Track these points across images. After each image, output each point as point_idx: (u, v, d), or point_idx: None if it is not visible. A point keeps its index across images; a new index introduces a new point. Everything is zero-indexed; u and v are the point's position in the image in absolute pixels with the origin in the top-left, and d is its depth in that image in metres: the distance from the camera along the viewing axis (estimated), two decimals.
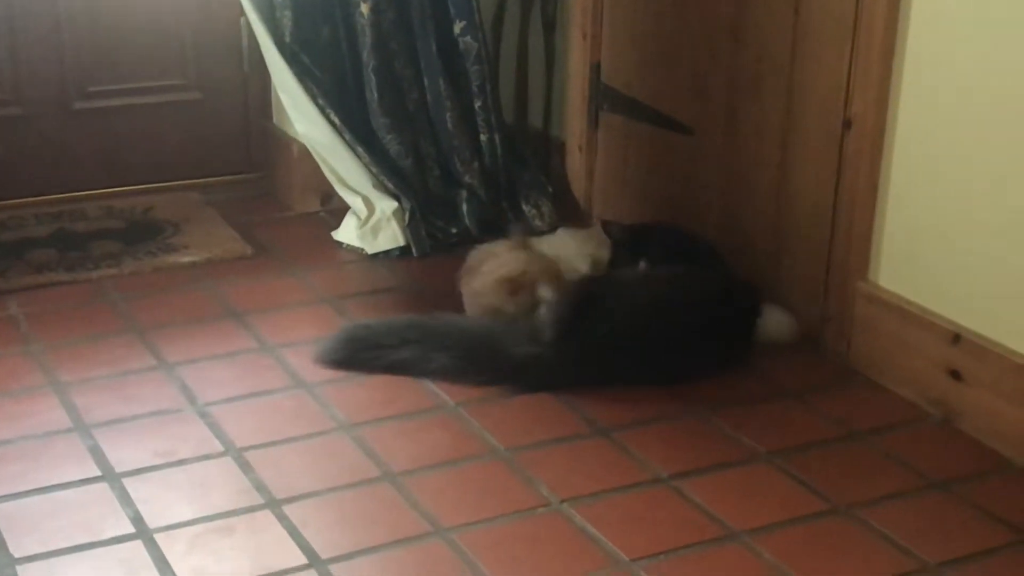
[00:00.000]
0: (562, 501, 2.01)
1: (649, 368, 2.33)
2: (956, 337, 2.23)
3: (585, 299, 2.34)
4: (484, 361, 2.35)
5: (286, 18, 2.85)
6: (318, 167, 3.00)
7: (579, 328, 2.31)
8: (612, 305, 2.33)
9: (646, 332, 2.32)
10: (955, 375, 2.24)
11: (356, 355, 2.40)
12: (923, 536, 1.94)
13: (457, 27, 2.91)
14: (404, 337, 2.38)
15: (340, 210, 3.03)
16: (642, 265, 2.46)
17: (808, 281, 2.52)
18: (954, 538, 1.94)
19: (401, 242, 2.91)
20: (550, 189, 3.05)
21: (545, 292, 2.44)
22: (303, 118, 2.94)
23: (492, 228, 2.90)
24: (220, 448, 2.14)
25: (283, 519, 1.95)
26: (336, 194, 3.02)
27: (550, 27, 3.16)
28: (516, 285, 2.49)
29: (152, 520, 1.94)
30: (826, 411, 2.30)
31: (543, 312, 2.39)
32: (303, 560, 1.86)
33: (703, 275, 2.44)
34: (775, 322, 2.49)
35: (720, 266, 2.51)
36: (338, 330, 2.47)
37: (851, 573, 1.85)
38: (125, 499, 2.00)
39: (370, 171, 2.93)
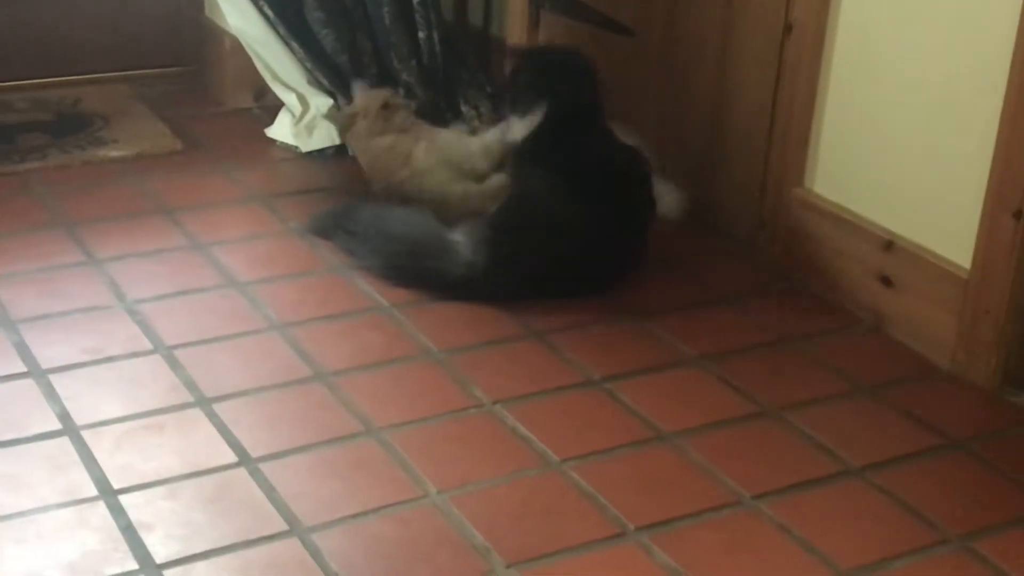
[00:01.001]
0: (494, 402, 2.01)
1: (581, 281, 2.32)
2: (888, 244, 2.25)
3: (508, 231, 2.29)
4: (411, 274, 2.34)
5: None
6: (251, 62, 2.94)
7: (507, 261, 2.27)
8: (538, 235, 2.28)
9: (575, 251, 2.28)
10: (886, 281, 2.26)
11: (329, 230, 2.48)
12: (850, 439, 1.97)
13: None
14: (359, 226, 2.44)
15: (274, 106, 2.97)
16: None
17: (744, 186, 2.52)
18: (880, 442, 1.97)
19: (336, 141, 2.86)
20: (489, 89, 3.01)
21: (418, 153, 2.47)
22: (236, 11, 2.87)
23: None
24: (149, 346, 2.12)
25: (213, 417, 1.94)
26: (270, 90, 2.96)
27: None
28: (350, 120, 2.61)
29: (79, 417, 1.92)
30: (758, 316, 2.32)
31: (467, 243, 2.31)
32: (233, 458, 1.85)
33: (623, 181, 2.35)
34: (666, 198, 2.42)
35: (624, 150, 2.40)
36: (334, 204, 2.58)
37: (777, 473, 1.88)
38: (51, 395, 1.97)
39: (305, 67, 2.87)
